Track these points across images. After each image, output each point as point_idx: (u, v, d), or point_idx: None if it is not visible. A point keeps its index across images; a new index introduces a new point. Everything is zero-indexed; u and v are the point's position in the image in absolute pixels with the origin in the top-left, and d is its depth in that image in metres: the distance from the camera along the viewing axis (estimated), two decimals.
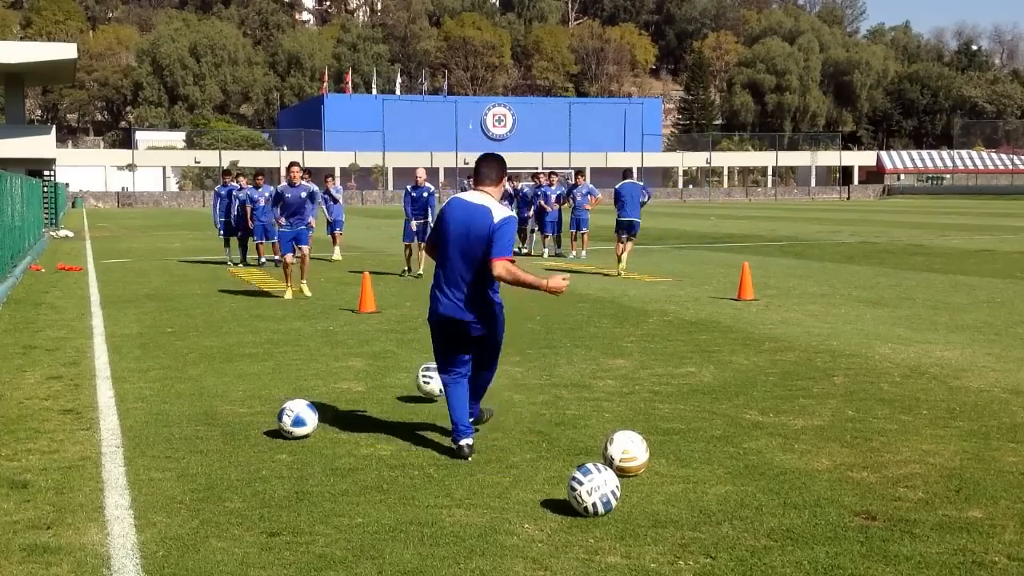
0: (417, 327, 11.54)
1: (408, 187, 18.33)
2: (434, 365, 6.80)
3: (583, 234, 22.37)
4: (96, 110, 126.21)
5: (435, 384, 7.25)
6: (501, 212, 6.11)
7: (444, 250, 6.18)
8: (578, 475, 4.98)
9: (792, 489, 5.38)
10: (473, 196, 6.25)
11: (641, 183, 19.21)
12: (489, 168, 6.33)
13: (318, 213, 21.05)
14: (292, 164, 14.72)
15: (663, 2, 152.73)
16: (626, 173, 19.47)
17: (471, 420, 6.29)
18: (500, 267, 6.00)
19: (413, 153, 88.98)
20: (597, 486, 4.90)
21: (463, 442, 6.07)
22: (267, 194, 19.88)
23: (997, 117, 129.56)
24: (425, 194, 17.98)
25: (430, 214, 18.09)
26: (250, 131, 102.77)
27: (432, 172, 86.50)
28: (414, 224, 17.87)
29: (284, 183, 15.02)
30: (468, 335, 6.18)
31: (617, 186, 18.69)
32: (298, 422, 6.47)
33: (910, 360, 9.15)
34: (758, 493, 5.32)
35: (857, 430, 6.62)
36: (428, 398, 7.43)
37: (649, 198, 18.76)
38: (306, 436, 6.47)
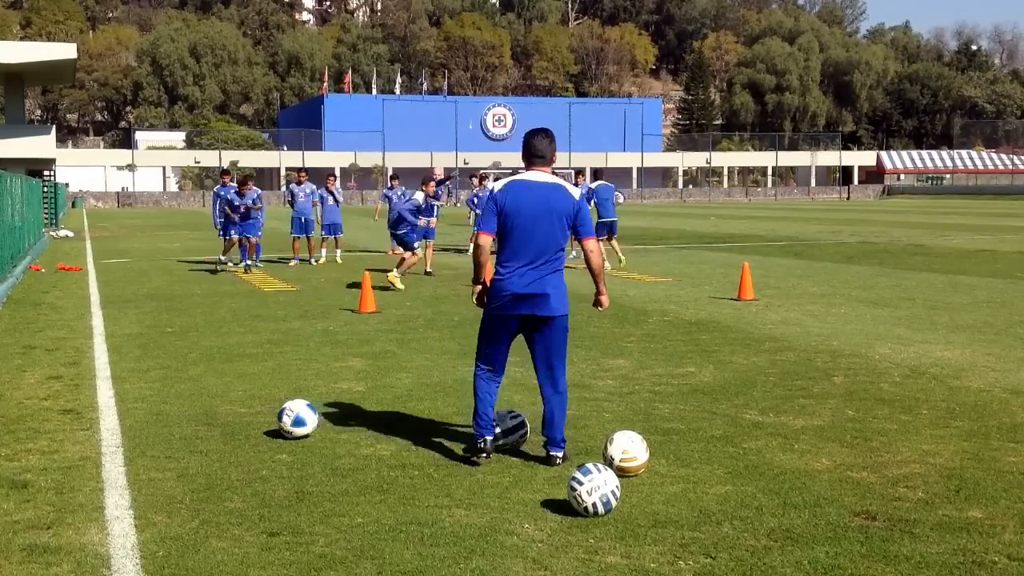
0: (417, 327, 11.53)
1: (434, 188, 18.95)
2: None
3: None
4: (96, 110, 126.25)
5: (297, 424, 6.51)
6: (575, 190, 5.99)
7: (516, 233, 5.79)
8: (578, 475, 4.97)
9: (792, 489, 5.38)
10: (537, 175, 5.91)
11: (612, 185, 20.17)
12: (544, 145, 5.94)
13: (314, 214, 21.09)
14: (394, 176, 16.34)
15: (663, 2, 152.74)
16: (597, 174, 20.41)
17: (562, 456, 5.89)
18: (593, 244, 5.96)
19: (413, 153, 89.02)
20: (597, 486, 4.90)
21: (484, 438, 5.85)
22: (250, 201, 19.67)
23: (997, 117, 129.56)
24: (436, 192, 18.57)
25: (436, 211, 18.53)
26: (250, 131, 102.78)
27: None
28: (422, 222, 18.20)
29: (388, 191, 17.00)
30: (537, 328, 5.88)
31: (593, 186, 19.67)
32: (298, 422, 6.47)
33: (910, 360, 9.15)
34: (758, 493, 5.32)
35: (857, 430, 6.62)
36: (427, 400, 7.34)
37: (623, 199, 19.84)
38: (306, 436, 6.47)
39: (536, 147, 5.95)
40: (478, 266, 6.01)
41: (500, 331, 5.97)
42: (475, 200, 22.49)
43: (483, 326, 6.06)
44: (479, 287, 6.04)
